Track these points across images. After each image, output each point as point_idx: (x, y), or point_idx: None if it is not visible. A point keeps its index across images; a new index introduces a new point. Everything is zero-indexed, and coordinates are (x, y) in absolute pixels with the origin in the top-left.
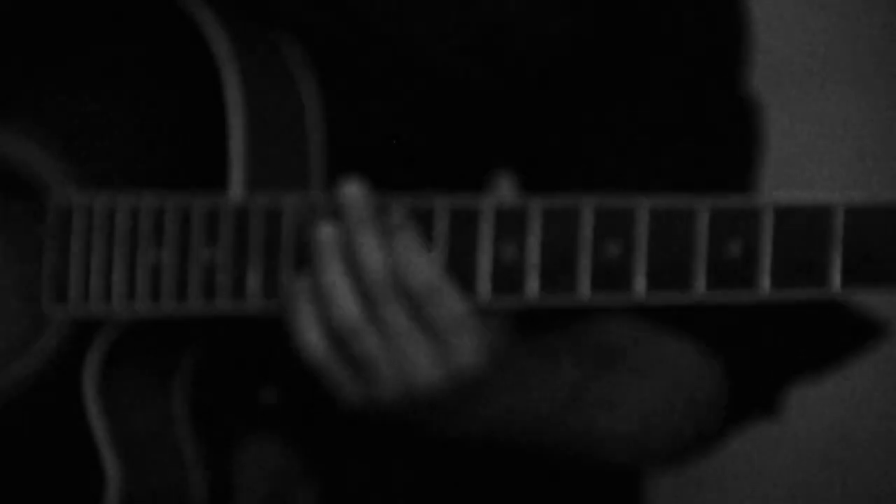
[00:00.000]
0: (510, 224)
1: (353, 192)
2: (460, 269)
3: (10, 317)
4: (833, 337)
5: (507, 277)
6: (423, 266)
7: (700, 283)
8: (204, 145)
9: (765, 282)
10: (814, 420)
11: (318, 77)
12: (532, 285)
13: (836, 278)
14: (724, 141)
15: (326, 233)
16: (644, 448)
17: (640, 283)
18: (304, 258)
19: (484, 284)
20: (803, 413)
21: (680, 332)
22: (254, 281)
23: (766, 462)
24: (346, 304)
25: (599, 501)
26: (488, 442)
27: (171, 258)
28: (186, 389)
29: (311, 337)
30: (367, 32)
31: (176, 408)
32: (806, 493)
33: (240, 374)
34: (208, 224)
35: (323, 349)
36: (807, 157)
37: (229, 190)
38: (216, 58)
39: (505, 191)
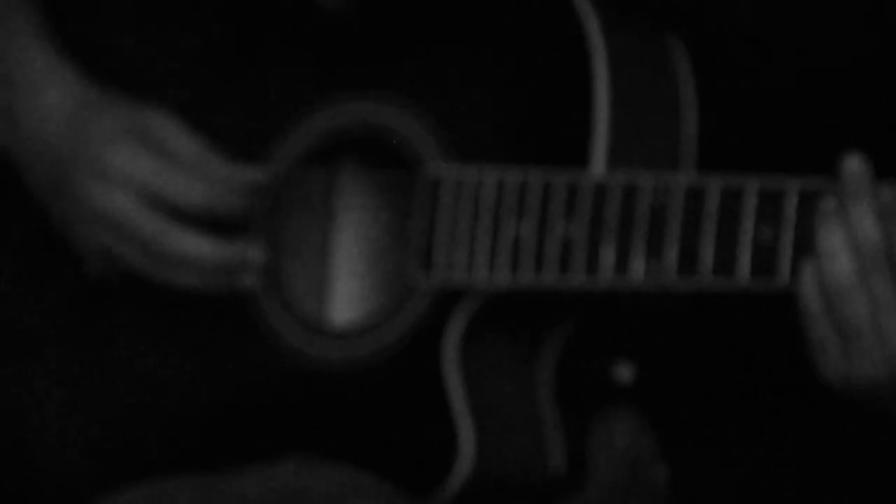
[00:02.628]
0: None
1: (854, 165)
2: None
3: (379, 284)
4: None
5: None
6: None
7: None
8: (568, 122)
9: None
10: None
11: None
12: None
13: None
14: None
15: (829, 203)
16: None
17: None
18: (657, 237)
19: None
20: None
21: None
22: (607, 257)
23: None
24: (841, 266)
25: None
26: None
27: (531, 231)
28: (552, 363)
29: (810, 291)
30: (744, 32)
31: (541, 380)
32: None
33: (599, 350)
34: (568, 199)
35: (817, 304)
36: None
37: (590, 166)
38: (586, 34)
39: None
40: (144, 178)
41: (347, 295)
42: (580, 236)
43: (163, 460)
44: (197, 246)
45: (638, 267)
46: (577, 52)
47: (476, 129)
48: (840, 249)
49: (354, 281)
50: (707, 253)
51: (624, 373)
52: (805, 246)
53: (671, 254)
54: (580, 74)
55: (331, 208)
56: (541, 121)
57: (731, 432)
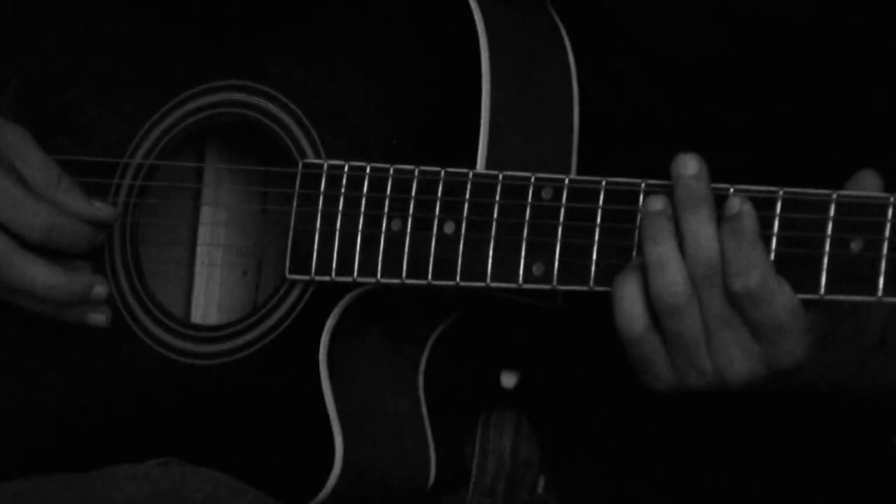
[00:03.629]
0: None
1: (691, 165)
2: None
3: (259, 280)
4: None
5: (849, 271)
6: (755, 266)
7: None
8: (453, 120)
9: None
10: None
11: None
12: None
13: None
14: None
15: (656, 205)
16: None
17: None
18: (542, 237)
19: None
20: None
21: None
22: (488, 256)
23: None
24: (674, 279)
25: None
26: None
27: (409, 229)
28: (430, 366)
29: (633, 307)
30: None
31: (419, 383)
32: None
33: (481, 357)
34: (448, 196)
35: (643, 322)
36: None
37: (476, 164)
38: (476, 30)
39: (868, 185)
40: None
41: (214, 290)
42: (461, 235)
43: (34, 459)
44: (41, 275)
45: (522, 267)
46: (464, 53)
47: (358, 127)
48: (671, 260)
49: (221, 276)
50: (595, 253)
51: (509, 380)
52: None
53: (557, 254)
54: (467, 76)
55: (198, 200)
56: (426, 120)
57: (611, 440)
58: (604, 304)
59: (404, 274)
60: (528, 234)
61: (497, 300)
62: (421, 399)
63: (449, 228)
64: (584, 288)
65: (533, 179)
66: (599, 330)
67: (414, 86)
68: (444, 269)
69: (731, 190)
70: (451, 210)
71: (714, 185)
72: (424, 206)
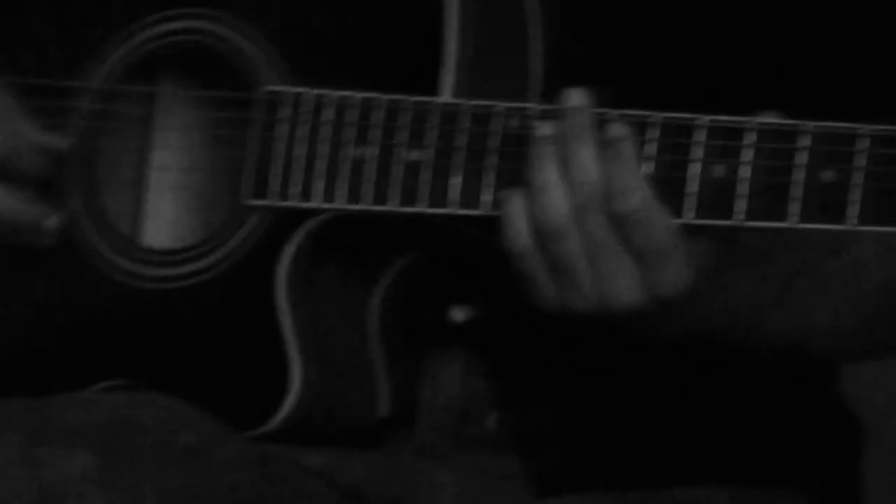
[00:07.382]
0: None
1: (576, 98)
2: (669, 185)
3: (213, 205)
4: None
5: (717, 197)
6: (636, 189)
7: None
8: (419, 49)
9: None
10: None
11: None
12: (741, 206)
13: None
14: None
15: (544, 131)
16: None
17: (853, 210)
18: (509, 165)
19: (692, 203)
20: None
21: None
22: (455, 183)
23: None
24: (556, 203)
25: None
26: (686, 339)
27: (374, 156)
28: (383, 300)
29: (519, 224)
30: None
31: (371, 317)
32: None
33: (433, 291)
34: (415, 124)
35: (527, 240)
36: None
37: (439, 93)
38: None
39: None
40: None
41: (165, 214)
42: (427, 163)
43: None
44: None
45: (487, 195)
46: None
47: (319, 54)
48: (554, 185)
49: (174, 200)
50: None
51: (459, 315)
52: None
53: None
54: (431, 3)
55: (150, 126)
56: (388, 49)
57: (562, 378)
58: None
59: (368, 200)
60: (495, 162)
61: (454, 235)
62: (376, 333)
63: (414, 156)
64: None
65: (500, 108)
66: None
67: (382, 15)
68: (409, 196)
69: (614, 115)
70: (417, 137)
71: (598, 111)
72: (390, 133)
